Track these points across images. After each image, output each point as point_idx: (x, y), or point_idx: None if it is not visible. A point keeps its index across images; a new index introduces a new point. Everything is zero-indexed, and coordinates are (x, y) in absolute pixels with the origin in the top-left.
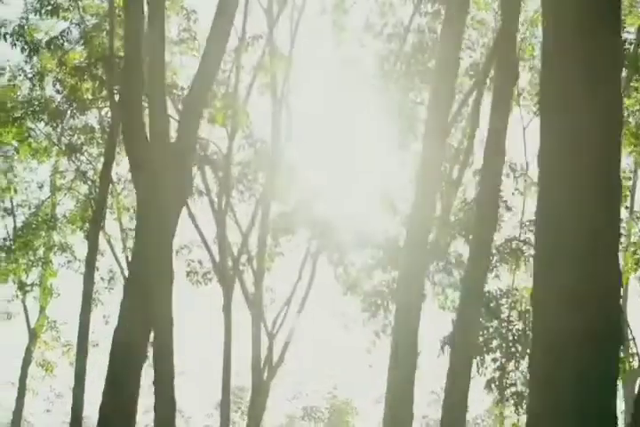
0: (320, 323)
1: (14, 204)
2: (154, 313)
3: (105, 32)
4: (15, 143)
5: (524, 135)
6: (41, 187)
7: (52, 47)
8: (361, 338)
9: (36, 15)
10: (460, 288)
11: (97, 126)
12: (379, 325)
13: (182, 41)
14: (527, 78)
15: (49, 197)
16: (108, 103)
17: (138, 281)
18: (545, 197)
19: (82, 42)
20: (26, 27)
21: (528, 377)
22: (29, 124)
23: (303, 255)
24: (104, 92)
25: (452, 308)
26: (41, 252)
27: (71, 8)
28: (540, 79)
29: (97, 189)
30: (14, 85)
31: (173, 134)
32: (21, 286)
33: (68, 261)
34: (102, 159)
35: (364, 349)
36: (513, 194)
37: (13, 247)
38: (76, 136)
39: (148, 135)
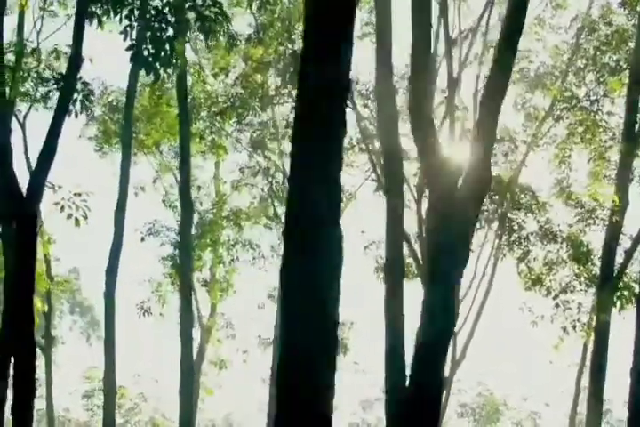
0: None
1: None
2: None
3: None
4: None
5: None
6: (224, 183)
7: (251, 42)
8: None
9: (241, 8)
10: None
11: (271, 122)
12: (567, 321)
13: (365, 35)
14: None
15: (228, 194)
16: (289, 99)
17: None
18: None
19: (269, 37)
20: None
21: None
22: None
23: (485, 250)
24: (287, 88)
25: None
26: (222, 248)
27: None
28: None
29: (277, 186)
30: (203, 81)
31: None
32: (204, 284)
33: (253, 258)
34: (281, 155)
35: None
36: None
37: (195, 244)
38: (256, 132)
39: None
